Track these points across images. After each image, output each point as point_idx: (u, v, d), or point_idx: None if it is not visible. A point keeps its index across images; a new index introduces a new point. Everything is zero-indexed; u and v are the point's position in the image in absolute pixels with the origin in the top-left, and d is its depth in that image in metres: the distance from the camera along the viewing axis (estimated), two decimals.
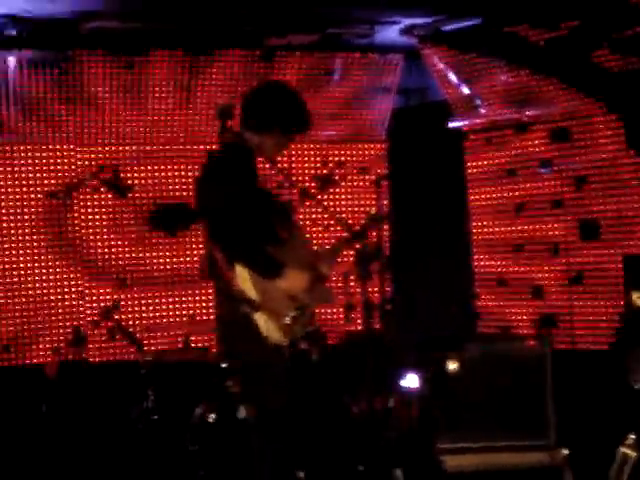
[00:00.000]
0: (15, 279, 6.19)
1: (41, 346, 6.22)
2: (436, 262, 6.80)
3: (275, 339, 3.56)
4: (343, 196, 6.97)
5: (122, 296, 6.39)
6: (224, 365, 5.07)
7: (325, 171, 6.88)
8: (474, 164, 6.90)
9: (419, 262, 6.79)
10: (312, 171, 6.83)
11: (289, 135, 3.77)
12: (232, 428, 4.62)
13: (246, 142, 3.70)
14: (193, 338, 6.35)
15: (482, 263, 6.91)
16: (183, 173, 6.57)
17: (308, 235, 3.97)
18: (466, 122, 6.78)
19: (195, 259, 6.53)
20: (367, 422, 4.81)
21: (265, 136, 3.70)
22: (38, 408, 5.41)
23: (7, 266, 6.17)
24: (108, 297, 6.37)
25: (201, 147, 6.56)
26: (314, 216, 6.71)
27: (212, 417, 4.79)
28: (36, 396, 5.51)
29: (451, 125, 6.80)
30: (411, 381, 5.28)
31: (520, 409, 4.48)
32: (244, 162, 3.63)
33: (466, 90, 6.61)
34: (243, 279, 3.53)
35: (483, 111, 6.64)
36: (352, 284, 6.22)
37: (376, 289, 5.38)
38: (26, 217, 6.23)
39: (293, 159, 6.78)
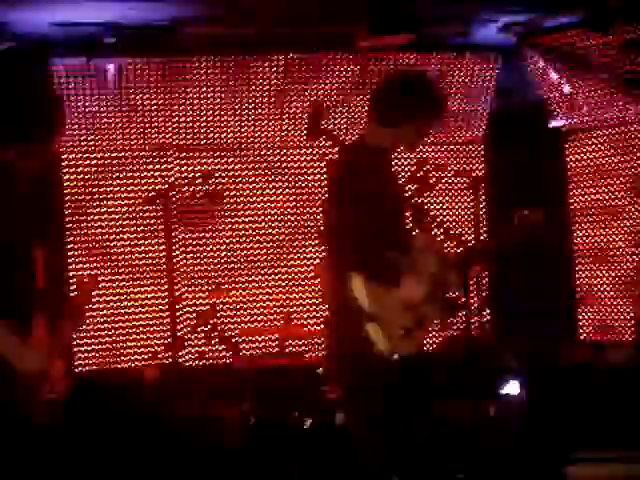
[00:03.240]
0: (115, 284, 6.29)
1: (140, 350, 6.31)
2: (535, 265, 6.61)
3: (385, 351, 3.37)
4: (440, 199, 6.85)
5: (219, 300, 6.41)
6: (320, 370, 5.03)
7: (421, 173, 6.78)
8: (575, 165, 6.70)
9: (518, 266, 6.61)
10: (408, 174, 6.73)
11: (428, 123, 3.61)
12: (329, 434, 4.57)
13: (377, 141, 3.55)
14: (289, 342, 6.33)
15: (584, 267, 6.71)
16: (277, 177, 6.57)
17: (440, 240, 3.73)
18: (567, 122, 6.59)
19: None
20: (467, 430, 4.70)
21: (404, 128, 3.54)
22: (137, 411, 5.46)
23: (108, 272, 6.27)
24: (205, 301, 6.41)
25: (295, 151, 6.57)
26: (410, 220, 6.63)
27: (308, 423, 4.75)
28: (135, 399, 5.56)
29: (551, 125, 6.62)
30: (512, 388, 5.14)
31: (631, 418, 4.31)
32: (371, 164, 3.46)
33: (567, 89, 6.41)
34: (357, 287, 3.36)
35: (584, 110, 6.44)
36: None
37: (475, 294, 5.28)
38: (125, 222, 6.32)
39: None
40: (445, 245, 6.43)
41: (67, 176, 6.21)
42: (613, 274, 6.50)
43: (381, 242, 3.40)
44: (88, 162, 6.25)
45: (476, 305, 5.42)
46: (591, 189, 6.62)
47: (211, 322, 6.38)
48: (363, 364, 3.41)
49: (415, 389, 3.51)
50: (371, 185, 3.41)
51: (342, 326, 3.48)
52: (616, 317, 6.49)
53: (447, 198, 6.85)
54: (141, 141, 6.31)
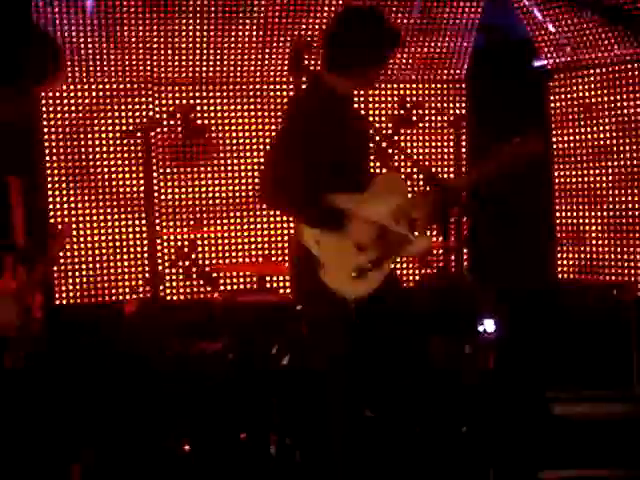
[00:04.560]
0: (95, 218, 6.25)
1: (120, 284, 6.32)
2: (515, 206, 6.63)
3: (340, 293, 3.40)
4: (420, 137, 6.82)
5: (198, 235, 6.41)
6: (299, 307, 5.06)
7: (402, 112, 6.73)
8: (558, 104, 6.67)
9: (497, 206, 6.63)
10: (388, 112, 6.69)
11: (382, 61, 3.52)
12: (305, 372, 4.62)
13: (331, 87, 3.47)
14: (268, 279, 6.35)
15: (563, 207, 6.74)
16: (259, 113, 6.50)
17: (402, 179, 3.69)
18: (551, 61, 6.54)
19: None
20: (443, 368, 4.77)
21: (355, 72, 3.45)
22: (115, 344, 5.50)
23: (87, 206, 6.24)
24: (185, 237, 6.40)
25: (277, 87, 6.50)
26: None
27: (285, 360, 4.80)
28: (114, 333, 5.60)
29: (535, 64, 6.57)
30: (488, 326, 5.20)
31: (605, 359, 4.38)
32: (323, 112, 3.42)
33: (551, 27, 6.36)
34: (306, 231, 3.41)
35: (569, 49, 6.39)
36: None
37: (453, 232, 5.30)
38: (104, 156, 6.27)
39: (370, 99, 6.65)
40: (423, 184, 6.39)
41: (45, 109, 6.13)
42: (594, 214, 6.53)
43: (329, 188, 3.37)
44: (66, 95, 6.16)
45: (455, 244, 5.45)
46: (574, 129, 6.61)
47: (191, 257, 6.39)
48: (322, 308, 3.45)
49: (376, 329, 3.52)
50: (320, 134, 3.36)
51: (301, 272, 3.50)
52: (596, 257, 6.54)
53: (428, 137, 6.83)
54: (121, 74, 6.22)
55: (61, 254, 5.99)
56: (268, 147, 3.46)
